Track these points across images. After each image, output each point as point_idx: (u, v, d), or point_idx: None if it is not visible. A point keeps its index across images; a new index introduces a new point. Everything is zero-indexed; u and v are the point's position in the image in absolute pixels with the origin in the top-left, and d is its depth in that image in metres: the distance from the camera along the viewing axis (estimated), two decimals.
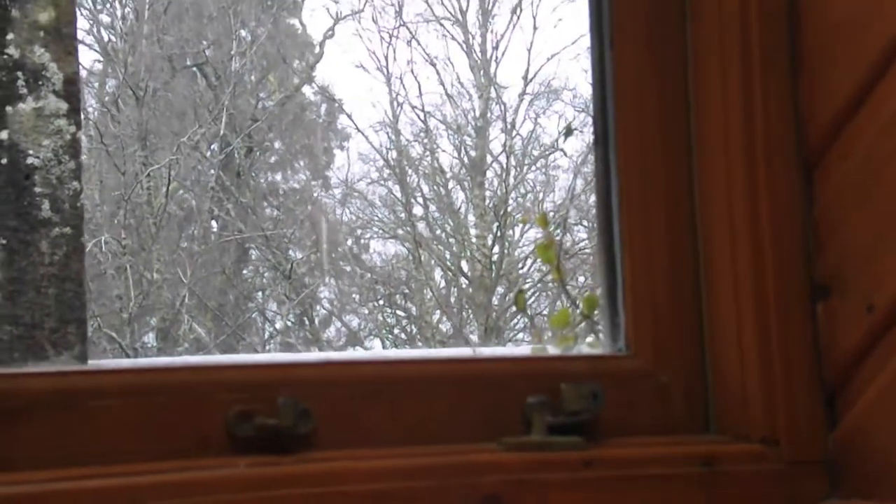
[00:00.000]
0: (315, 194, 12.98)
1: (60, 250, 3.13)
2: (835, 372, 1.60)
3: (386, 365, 1.67)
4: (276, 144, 12.85)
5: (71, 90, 3.23)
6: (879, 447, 1.53)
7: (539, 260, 11.30)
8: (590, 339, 2.50)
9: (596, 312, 2.53)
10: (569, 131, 11.50)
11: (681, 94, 1.74)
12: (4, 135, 3.11)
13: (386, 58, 12.63)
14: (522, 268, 12.28)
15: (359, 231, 13.08)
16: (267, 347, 11.56)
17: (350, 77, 17.28)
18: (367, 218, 13.16)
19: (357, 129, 12.97)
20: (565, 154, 12.31)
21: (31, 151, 3.11)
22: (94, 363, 3.06)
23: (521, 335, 11.79)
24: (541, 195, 12.77)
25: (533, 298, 11.74)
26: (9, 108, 3.13)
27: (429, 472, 1.52)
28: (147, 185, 10.58)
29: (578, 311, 2.60)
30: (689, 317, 1.71)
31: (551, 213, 12.22)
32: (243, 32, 11.90)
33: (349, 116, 13.13)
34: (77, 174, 3.21)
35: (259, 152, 12.43)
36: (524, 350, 2.33)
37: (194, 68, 11.75)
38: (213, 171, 11.43)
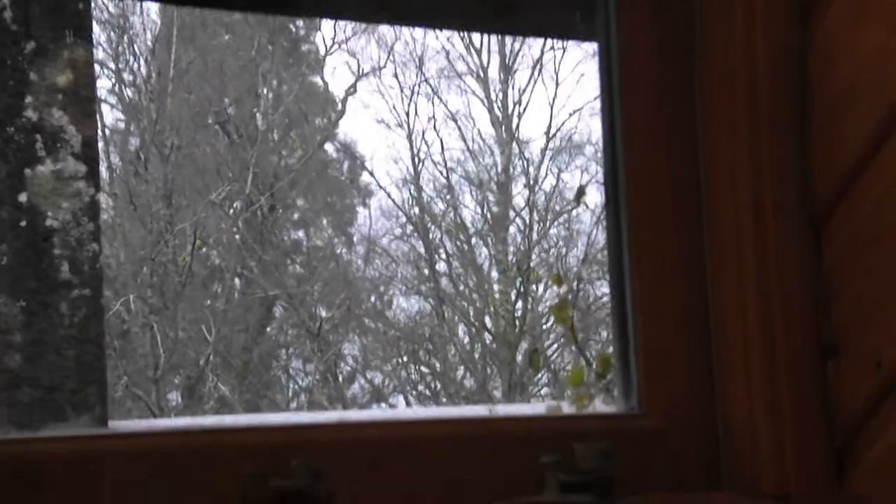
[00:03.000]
0: (339, 251, 13.02)
1: (80, 312, 3.15)
2: (844, 428, 1.61)
3: (399, 425, 1.69)
4: (299, 202, 12.90)
5: (89, 152, 3.25)
6: (889, 501, 1.54)
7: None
8: (604, 397, 2.51)
9: (610, 371, 2.54)
10: (580, 194, 11.54)
11: (691, 154, 1.75)
12: (23, 197, 3.14)
13: (407, 114, 12.70)
14: (546, 322, 12.26)
15: (382, 288, 13.09)
16: (291, 405, 11.55)
17: (372, 134, 17.37)
18: (390, 274, 13.18)
19: (379, 185, 13.02)
20: (587, 207, 12.31)
21: (49, 214, 3.14)
22: (113, 424, 3.05)
23: (545, 390, 11.76)
24: (564, 250, 12.78)
25: (557, 353, 11.72)
26: (27, 171, 3.16)
27: None
28: (172, 244, 10.63)
29: (593, 369, 2.60)
30: (701, 375, 1.72)
31: (575, 268, 12.21)
32: (265, 90, 11.99)
33: (371, 173, 13.20)
34: (96, 236, 3.24)
35: (282, 210, 12.48)
36: (539, 408, 2.34)
37: (216, 126, 11.83)
38: (236, 229, 11.49)
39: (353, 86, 12.79)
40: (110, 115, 11.35)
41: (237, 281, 11.77)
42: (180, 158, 11.16)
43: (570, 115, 12.86)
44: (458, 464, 1.62)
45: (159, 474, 1.47)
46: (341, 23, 12.65)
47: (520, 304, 12.36)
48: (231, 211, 11.37)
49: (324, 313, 11.90)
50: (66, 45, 3.30)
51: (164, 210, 10.74)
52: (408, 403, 12.32)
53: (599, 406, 2.31)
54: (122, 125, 11.69)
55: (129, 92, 11.63)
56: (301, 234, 13.11)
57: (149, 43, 11.50)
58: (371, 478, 1.57)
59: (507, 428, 1.71)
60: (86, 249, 3.37)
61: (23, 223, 3.20)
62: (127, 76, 11.66)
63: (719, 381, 1.71)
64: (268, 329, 12.14)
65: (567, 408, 2.16)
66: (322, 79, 13.28)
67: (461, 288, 13.04)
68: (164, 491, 1.47)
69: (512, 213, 13.00)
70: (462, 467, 1.62)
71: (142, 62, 11.55)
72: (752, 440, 1.65)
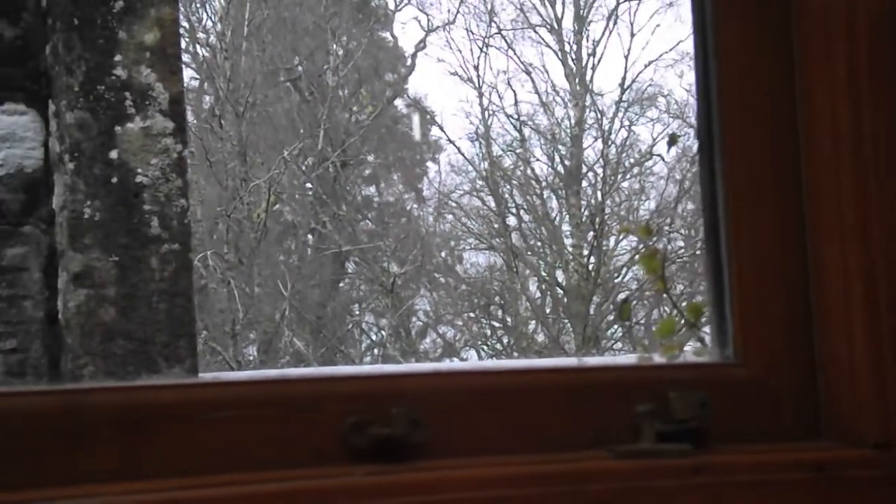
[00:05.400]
0: (409, 207, 13.06)
1: (170, 266, 3.20)
2: None
3: (495, 375, 1.68)
4: (370, 158, 12.95)
5: (176, 109, 3.30)
6: None
7: (637, 269, 11.24)
8: (694, 346, 2.50)
9: (702, 320, 2.53)
10: (672, 141, 11.41)
11: (788, 98, 1.73)
12: (114, 154, 3.19)
13: (476, 68, 12.64)
14: (618, 277, 12.23)
15: (453, 243, 13.13)
16: (364, 359, 11.64)
17: (442, 88, 17.38)
18: (461, 229, 13.20)
19: (449, 140, 13.02)
20: (664, 160, 12.24)
21: (139, 170, 3.19)
22: (203, 376, 3.12)
23: (618, 344, 11.75)
24: (636, 203, 12.72)
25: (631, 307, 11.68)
26: (118, 128, 3.22)
27: (539, 480, 1.52)
28: (247, 201, 10.72)
29: (683, 319, 2.59)
30: (799, 322, 1.70)
31: (644, 221, 12.15)
32: (335, 47, 12.01)
33: (441, 128, 13.19)
34: (184, 191, 3.29)
35: (354, 165, 12.53)
36: (631, 359, 2.34)
37: (288, 83, 11.89)
38: (309, 185, 11.56)
39: (423, 41, 12.79)
40: (185, 74, 11.44)
41: (310, 237, 11.86)
42: (254, 116, 11.23)
43: (645, 66, 12.74)
44: (551, 412, 1.62)
45: (259, 423, 1.48)
46: None
47: (592, 258, 12.32)
48: (304, 167, 11.43)
49: (396, 269, 11.95)
50: (152, 4, 3.34)
51: (240, 167, 10.83)
52: (480, 358, 12.36)
53: (690, 356, 2.30)
54: (195, 83, 11.80)
55: (203, 51, 11.72)
56: (372, 189, 13.16)
57: (221, 1, 11.57)
58: (465, 427, 1.58)
59: (601, 377, 1.70)
60: (174, 205, 3.42)
61: (114, 180, 3.26)
62: (200, 34, 11.74)
63: (818, 326, 1.68)
64: (341, 284, 12.24)
65: (658, 359, 2.14)
66: (392, 34, 13.29)
67: (532, 242, 13.03)
68: (264, 439, 1.48)
69: (584, 167, 12.94)
70: (555, 416, 1.62)
71: (215, 20, 11.63)
72: (852, 388, 1.63)
